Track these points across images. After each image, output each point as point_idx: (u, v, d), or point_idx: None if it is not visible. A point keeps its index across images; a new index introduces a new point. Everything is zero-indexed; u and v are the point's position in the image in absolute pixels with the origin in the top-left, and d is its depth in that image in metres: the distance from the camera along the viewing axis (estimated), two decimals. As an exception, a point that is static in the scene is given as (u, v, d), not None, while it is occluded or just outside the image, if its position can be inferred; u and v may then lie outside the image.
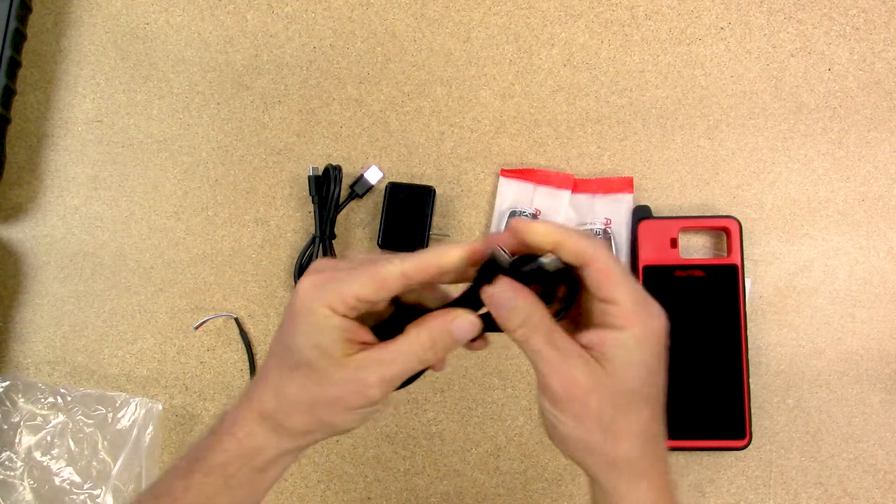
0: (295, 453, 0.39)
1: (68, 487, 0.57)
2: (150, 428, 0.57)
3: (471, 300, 0.36)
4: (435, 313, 0.37)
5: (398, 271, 0.35)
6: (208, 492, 0.37)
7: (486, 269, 0.35)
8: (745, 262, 0.58)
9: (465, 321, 0.36)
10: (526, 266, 0.35)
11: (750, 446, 0.56)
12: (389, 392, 0.37)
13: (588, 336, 0.35)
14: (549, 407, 0.35)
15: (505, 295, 0.35)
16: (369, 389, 0.36)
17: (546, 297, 0.37)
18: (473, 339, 0.37)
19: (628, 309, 0.34)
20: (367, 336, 0.37)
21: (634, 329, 0.34)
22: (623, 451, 0.34)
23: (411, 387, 0.40)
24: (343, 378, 0.36)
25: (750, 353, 0.57)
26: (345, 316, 0.36)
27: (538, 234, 0.34)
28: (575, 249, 0.34)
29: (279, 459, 0.38)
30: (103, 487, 0.56)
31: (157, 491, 0.39)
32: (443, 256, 0.36)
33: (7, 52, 0.57)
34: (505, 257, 0.35)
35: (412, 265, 0.36)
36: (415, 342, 0.37)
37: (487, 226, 0.60)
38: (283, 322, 0.38)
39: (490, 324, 0.36)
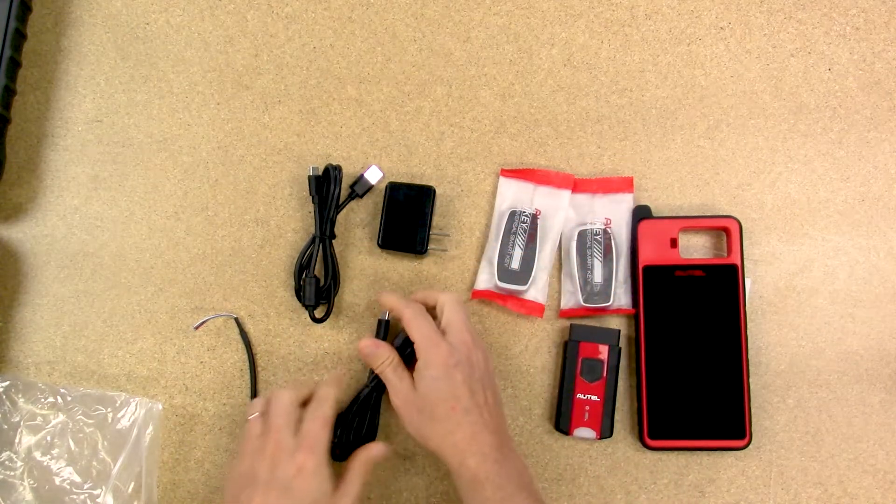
0: None
1: (68, 487, 0.57)
2: (150, 428, 0.57)
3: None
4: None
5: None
6: None
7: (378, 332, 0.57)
8: (745, 262, 0.58)
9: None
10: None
11: (750, 446, 0.56)
12: None
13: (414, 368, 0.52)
14: (398, 413, 0.52)
15: (368, 347, 0.54)
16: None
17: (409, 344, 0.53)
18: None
19: (420, 346, 0.51)
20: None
21: (424, 360, 0.51)
22: (436, 440, 0.50)
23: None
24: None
25: (750, 353, 0.57)
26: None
27: (384, 304, 0.55)
28: (393, 308, 0.55)
29: None
30: (103, 487, 0.56)
31: None
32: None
33: (7, 52, 0.57)
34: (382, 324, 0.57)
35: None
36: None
37: (487, 225, 0.60)
38: None
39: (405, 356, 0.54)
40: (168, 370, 0.59)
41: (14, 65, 0.59)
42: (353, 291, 0.60)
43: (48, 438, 0.57)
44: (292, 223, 0.60)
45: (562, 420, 0.56)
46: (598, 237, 0.58)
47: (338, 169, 0.58)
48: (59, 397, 0.58)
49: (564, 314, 0.58)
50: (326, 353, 0.59)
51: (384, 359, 0.53)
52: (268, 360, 0.59)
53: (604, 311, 0.57)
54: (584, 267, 0.58)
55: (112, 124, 0.61)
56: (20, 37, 0.59)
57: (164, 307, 0.60)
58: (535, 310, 0.58)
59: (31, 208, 0.61)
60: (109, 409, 0.58)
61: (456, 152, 0.60)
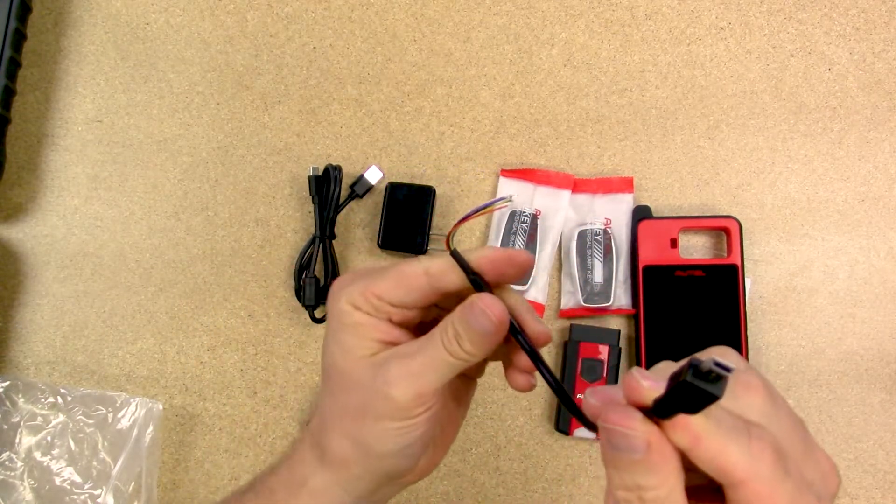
0: (347, 502, 0.35)
1: (69, 487, 0.57)
2: (151, 428, 0.57)
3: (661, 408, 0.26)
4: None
5: (421, 268, 0.34)
6: None
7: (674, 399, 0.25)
8: (745, 262, 0.58)
9: (483, 303, 0.32)
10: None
11: (750, 446, 0.56)
12: (425, 402, 0.33)
13: None
14: None
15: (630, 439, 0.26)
16: (391, 389, 0.32)
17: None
18: (517, 341, 0.33)
19: (752, 492, 0.25)
20: (402, 338, 0.34)
21: None
22: None
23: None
24: (363, 377, 0.33)
25: (750, 353, 0.57)
26: (370, 315, 0.34)
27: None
28: (717, 462, 0.25)
29: (327, 502, 0.35)
30: (104, 487, 0.56)
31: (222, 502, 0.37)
32: (470, 255, 0.34)
33: (7, 52, 0.57)
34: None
35: (436, 263, 0.34)
36: (436, 333, 0.33)
37: (488, 226, 0.60)
38: None
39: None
40: (168, 370, 0.59)
41: (14, 65, 0.59)
42: (353, 291, 0.60)
43: (48, 438, 0.57)
44: (292, 223, 0.60)
45: (562, 420, 0.56)
46: (598, 237, 0.58)
47: (338, 169, 0.58)
48: (59, 397, 0.58)
49: (564, 314, 0.58)
50: (326, 353, 0.59)
51: (660, 484, 0.26)
52: (268, 360, 0.59)
53: (604, 311, 0.57)
54: (584, 267, 0.58)
55: (112, 124, 0.61)
56: (20, 37, 0.59)
57: (164, 307, 0.60)
58: (535, 310, 0.58)
59: (31, 208, 0.61)
60: (109, 409, 0.58)
61: (456, 152, 0.60)
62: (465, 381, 0.38)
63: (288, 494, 0.35)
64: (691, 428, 0.25)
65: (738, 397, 0.27)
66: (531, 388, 0.35)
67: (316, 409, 0.36)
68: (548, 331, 0.35)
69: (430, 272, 0.33)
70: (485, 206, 0.34)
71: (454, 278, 0.33)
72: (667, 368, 0.28)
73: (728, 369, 0.22)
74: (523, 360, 0.34)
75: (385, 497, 0.37)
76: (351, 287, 0.34)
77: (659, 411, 0.25)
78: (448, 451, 0.39)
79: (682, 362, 0.23)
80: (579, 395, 0.56)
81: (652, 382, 0.25)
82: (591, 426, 0.30)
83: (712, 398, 0.23)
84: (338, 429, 0.34)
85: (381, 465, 0.34)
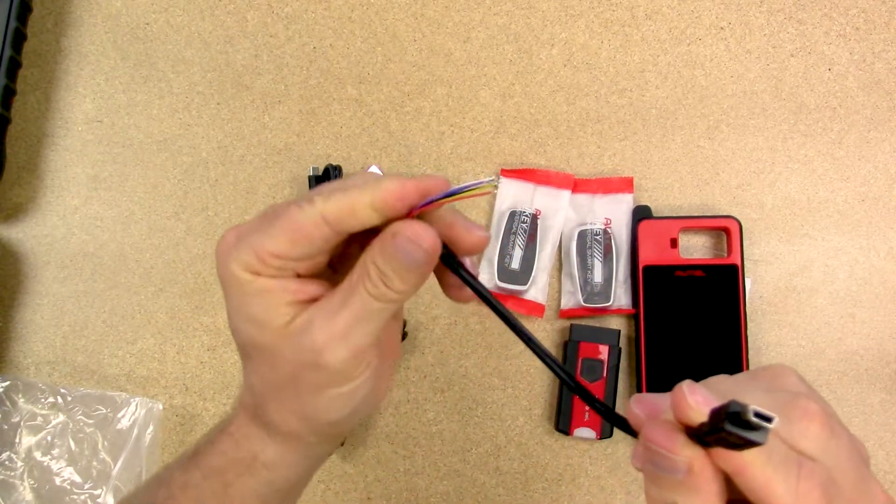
0: (304, 467, 0.32)
1: (69, 487, 0.57)
2: (151, 428, 0.57)
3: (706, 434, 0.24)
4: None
5: (317, 216, 0.28)
6: (205, 499, 0.32)
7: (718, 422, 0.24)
8: (745, 262, 0.58)
9: (410, 231, 0.27)
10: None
11: (750, 446, 0.56)
12: (364, 358, 0.29)
13: None
14: None
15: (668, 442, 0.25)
16: (322, 356, 0.28)
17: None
18: (450, 268, 0.30)
19: None
20: (318, 289, 0.29)
21: None
22: None
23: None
24: (287, 351, 0.29)
25: (750, 353, 0.57)
26: (275, 277, 0.28)
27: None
28: (761, 494, 0.24)
29: (284, 472, 0.32)
30: (104, 487, 0.56)
31: (161, 478, 0.34)
32: (377, 193, 0.27)
33: (7, 52, 0.57)
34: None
35: (333, 204, 0.28)
36: (356, 279, 0.28)
37: (488, 226, 0.60)
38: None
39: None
40: (168, 370, 0.59)
41: (14, 65, 0.59)
42: (353, 291, 0.60)
43: (48, 438, 0.57)
44: (292, 223, 0.60)
45: (562, 420, 0.56)
46: (598, 237, 0.58)
47: (338, 169, 0.58)
48: (59, 397, 0.58)
49: (564, 314, 0.58)
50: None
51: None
52: (268, 360, 0.59)
53: (604, 311, 0.57)
54: (584, 267, 0.58)
55: (112, 124, 0.61)
56: (20, 37, 0.59)
57: (164, 307, 0.60)
58: (535, 310, 0.58)
59: (31, 208, 0.61)
60: (109, 409, 0.58)
61: (456, 152, 0.60)
62: None
63: (240, 473, 0.32)
64: (737, 457, 0.24)
65: (792, 423, 0.26)
66: (471, 298, 0.31)
67: (244, 386, 0.32)
68: (485, 235, 0.30)
69: (328, 219, 0.28)
70: (462, 190, 0.28)
71: (362, 217, 0.28)
72: (719, 383, 0.27)
73: (769, 420, 0.22)
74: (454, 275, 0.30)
75: (336, 445, 0.36)
76: (240, 249, 0.28)
77: (702, 440, 0.24)
78: (394, 374, 0.35)
79: (724, 403, 0.23)
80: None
81: (700, 399, 0.24)
82: (617, 420, 0.28)
83: (754, 444, 0.22)
84: (277, 406, 0.30)
85: (335, 429, 0.31)
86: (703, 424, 0.24)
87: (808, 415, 0.26)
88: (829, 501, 0.24)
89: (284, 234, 0.28)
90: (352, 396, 0.30)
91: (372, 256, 0.28)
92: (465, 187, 0.28)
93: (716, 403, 0.24)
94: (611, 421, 0.29)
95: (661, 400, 0.27)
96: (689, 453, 0.24)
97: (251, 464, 0.32)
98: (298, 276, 0.29)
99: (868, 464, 0.27)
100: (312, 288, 0.29)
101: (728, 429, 0.22)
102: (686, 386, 0.24)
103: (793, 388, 0.28)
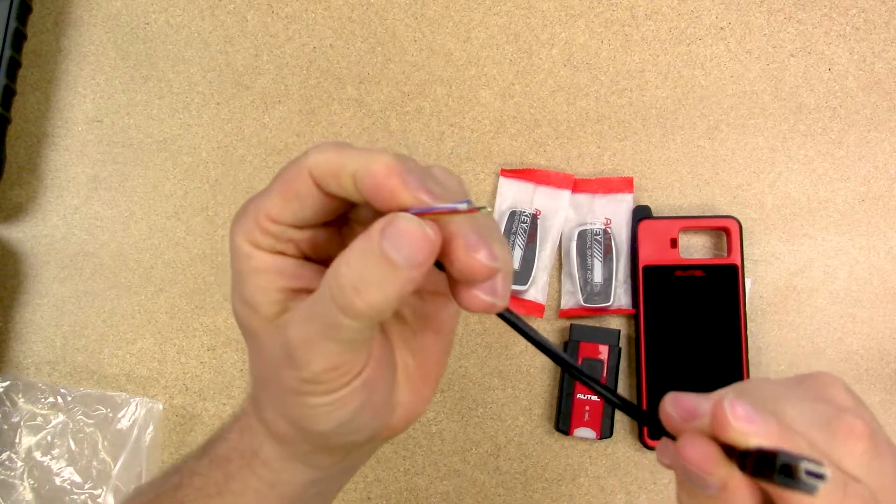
0: (309, 476, 0.29)
1: (69, 487, 0.57)
2: (151, 428, 0.57)
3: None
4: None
5: (304, 170, 0.24)
6: (207, 487, 0.30)
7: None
8: (745, 262, 0.58)
9: (392, 230, 0.22)
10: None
11: (750, 446, 0.56)
12: (345, 371, 0.25)
13: None
14: None
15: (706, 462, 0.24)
16: (298, 362, 0.24)
17: None
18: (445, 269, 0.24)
19: None
20: (314, 281, 0.26)
21: None
22: None
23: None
24: (271, 346, 0.26)
25: (750, 353, 0.57)
26: (278, 252, 0.26)
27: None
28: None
29: (286, 477, 0.29)
30: (104, 487, 0.56)
31: (177, 465, 0.33)
32: (363, 165, 0.23)
33: (7, 52, 0.57)
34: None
35: (321, 161, 0.24)
36: (324, 281, 0.24)
37: (487, 226, 0.60)
38: None
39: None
40: (168, 370, 0.59)
41: (14, 65, 0.59)
42: (353, 291, 0.60)
43: (48, 438, 0.57)
44: (292, 223, 0.60)
45: (562, 420, 0.56)
46: (598, 237, 0.58)
47: (338, 169, 0.58)
48: (59, 397, 0.58)
49: (564, 314, 0.58)
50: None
51: None
52: (268, 360, 0.59)
53: (604, 311, 0.57)
54: (584, 267, 0.58)
55: (112, 124, 0.61)
56: (20, 37, 0.59)
57: (164, 307, 0.60)
58: (535, 310, 0.58)
59: (31, 208, 0.61)
60: (109, 409, 0.58)
61: (456, 152, 0.60)
62: (432, 301, 0.29)
63: (241, 466, 0.30)
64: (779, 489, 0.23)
65: (837, 441, 0.24)
66: (487, 306, 0.25)
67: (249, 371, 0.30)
68: (487, 266, 0.24)
69: (313, 174, 0.24)
70: (443, 209, 0.23)
71: (344, 184, 0.24)
72: (760, 388, 0.26)
73: (821, 476, 0.21)
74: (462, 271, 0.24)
75: (360, 458, 0.32)
76: (244, 216, 0.26)
77: (742, 464, 0.23)
78: (436, 389, 0.30)
79: (772, 448, 0.22)
80: (579, 395, 0.56)
81: (743, 417, 0.23)
82: (649, 421, 0.27)
83: (802, 492, 0.21)
84: (267, 402, 0.28)
85: (326, 442, 0.28)
86: (745, 457, 0.23)
87: (855, 434, 0.24)
88: None
89: (277, 191, 0.25)
90: (336, 408, 0.26)
91: (346, 257, 0.23)
92: (449, 208, 0.23)
93: (760, 422, 0.23)
94: (644, 421, 0.28)
95: (698, 402, 0.25)
96: (724, 473, 0.23)
97: (251, 459, 0.30)
98: (306, 258, 0.26)
99: None
100: (308, 276, 0.26)
101: (777, 480, 0.21)
102: (728, 402, 0.23)
103: (840, 401, 0.27)
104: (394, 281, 0.22)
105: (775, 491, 0.23)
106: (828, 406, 0.26)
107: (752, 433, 0.23)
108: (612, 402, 0.28)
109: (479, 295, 0.24)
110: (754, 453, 0.23)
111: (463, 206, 0.23)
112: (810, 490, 0.21)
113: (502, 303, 0.25)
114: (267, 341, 0.26)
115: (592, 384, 0.28)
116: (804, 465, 0.21)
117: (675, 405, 0.26)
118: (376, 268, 0.22)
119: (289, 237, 0.26)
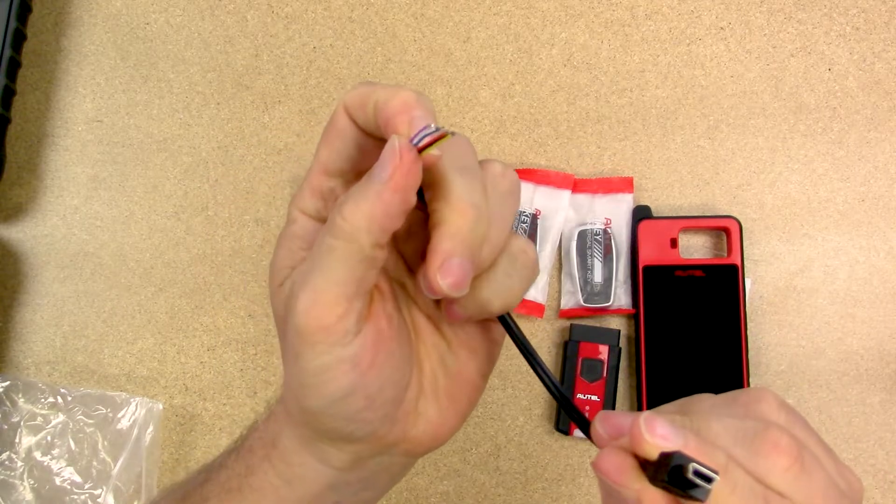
0: (321, 475, 0.29)
1: (69, 487, 0.57)
2: (151, 428, 0.57)
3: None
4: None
5: (341, 105, 0.27)
6: (230, 481, 0.30)
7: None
8: (745, 262, 0.58)
9: (387, 146, 0.24)
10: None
11: (750, 446, 0.56)
12: (326, 305, 0.24)
13: None
14: None
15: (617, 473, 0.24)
16: (291, 298, 0.25)
17: None
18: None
19: None
20: None
21: None
22: None
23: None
24: (281, 306, 0.27)
25: (750, 353, 0.57)
26: (312, 217, 0.27)
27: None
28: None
29: (299, 472, 0.29)
30: (104, 487, 0.56)
31: (208, 462, 0.32)
32: (387, 97, 0.25)
33: (7, 52, 0.57)
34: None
35: (354, 94, 0.26)
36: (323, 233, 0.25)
37: (487, 226, 0.60)
38: None
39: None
40: (168, 370, 0.59)
41: (14, 65, 0.59)
42: (353, 291, 0.60)
43: (48, 438, 0.57)
44: (292, 223, 0.60)
45: (562, 420, 0.56)
46: (598, 237, 0.58)
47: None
48: (59, 397, 0.58)
49: (564, 314, 0.58)
50: (326, 353, 0.59)
51: None
52: (268, 360, 0.59)
53: (604, 311, 0.57)
54: (584, 267, 0.58)
55: (112, 124, 0.61)
56: (20, 37, 0.59)
57: (164, 307, 0.60)
58: (535, 310, 0.58)
59: (31, 208, 0.61)
60: (109, 409, 0.58)
61: (456, 152, 0.60)
62: (480, 326, 0.31)
63: (262, 457, 0.30)
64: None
65: (759, 456, 0.24)
66: (460, 316, 0.27)
67: None
68: (446, 283, 0.25)
69: (347, 106, 0.27)
70: (435, 134, 0.25)
71: (369, 113, 0.26)
72: (698, 403, 0.27)
73: (710, 480, 0.21)
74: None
75: (380, 474, 0.31)
76: (301, 186, 0.28)
77: (653, 481, 0.23)
78: (465, 417, 0.30)
79: (671, 451, 0.22)
80: (579, 395, 0.56)
81: (659, 434, 0.23)
82: (581, 423, 0.28)
83: (695, 499, 0.22)
84: (285, 380, 0.28)
85: (322, 425, 0.27)
86: (650, 465, 0.23)
87: (779, 449, 0.24)
88: None
89: (324, 138, 0.27)
90: (325, 381, 0.25)
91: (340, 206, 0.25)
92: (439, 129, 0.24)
93: (676, 437, 0.23)
94: (584, 431, 0.28)
95: (625, 420, 0.26)
96: (638, 486, 0.23)
97: (271, 450, 0.29)
98: None
99: (857, 500, 0.26)
100: None
101: (668, 482, 0.22)
102: (644, 419, 0.23)
103: (769, 415, 0.27)
104: (367, 197, 0.24)
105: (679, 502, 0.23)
106: (755, 422, 0.26)
107: (666, 448, 0.23)
108: (554, 394, 0.29)
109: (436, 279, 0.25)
110: (658, 461, 0.23)
111: (454, 131, 0.25)
112: (701, 495, 0.21)
113: (457, 292, 0.26)
114: (279, 305, 0.27)
115: (548, 381, 0.29)
116: (692, 466, 0.21)
117: (604, 423, 0.26)
118: (357, 186, 0.24)
119: (329, 186, 0.27)
